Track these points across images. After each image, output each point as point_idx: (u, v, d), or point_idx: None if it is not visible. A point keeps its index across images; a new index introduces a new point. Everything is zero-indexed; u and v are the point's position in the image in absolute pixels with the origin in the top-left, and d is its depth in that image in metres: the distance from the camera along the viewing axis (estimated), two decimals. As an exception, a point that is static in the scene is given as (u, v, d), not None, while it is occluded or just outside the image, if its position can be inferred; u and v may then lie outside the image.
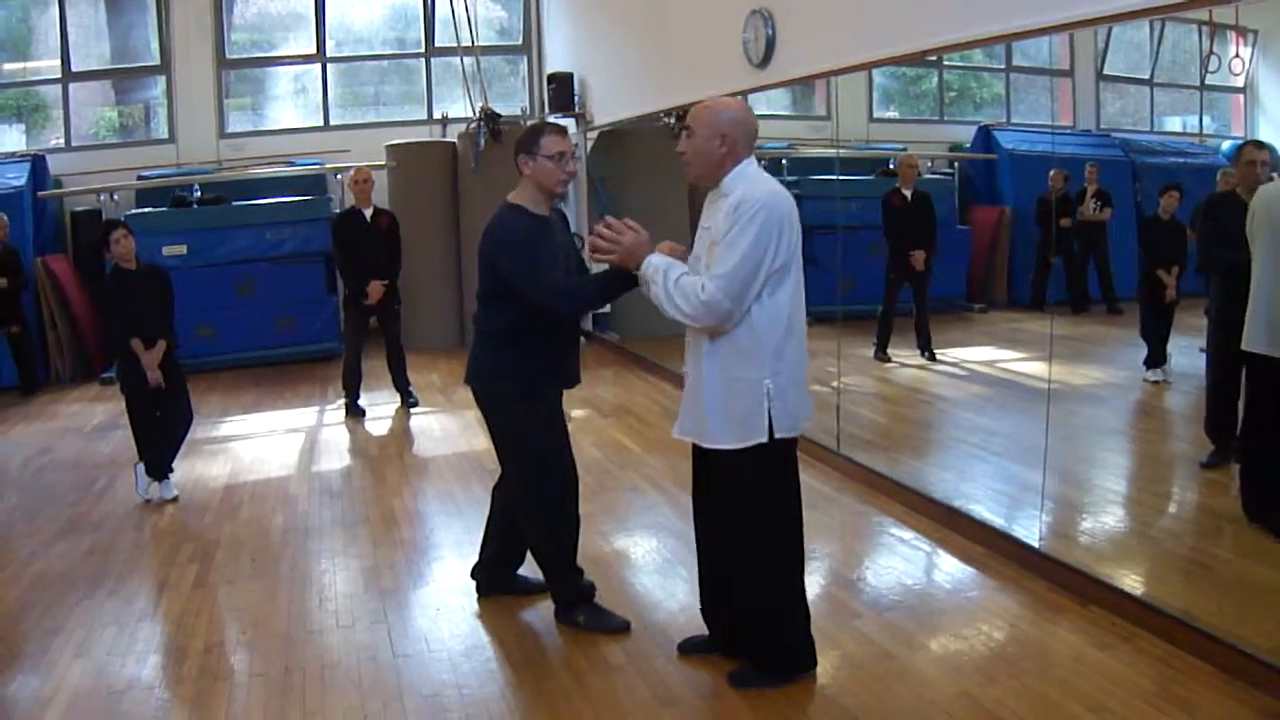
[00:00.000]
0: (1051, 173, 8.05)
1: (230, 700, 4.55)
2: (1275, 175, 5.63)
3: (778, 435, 4.26)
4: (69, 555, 6.41)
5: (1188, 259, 6.94)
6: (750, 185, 4.20)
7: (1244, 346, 5.39)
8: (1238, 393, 5.95)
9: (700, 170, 4.38)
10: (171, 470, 7.51)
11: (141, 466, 7.40)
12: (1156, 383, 7.39)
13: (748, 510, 4.38)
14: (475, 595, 5.57)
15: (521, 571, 5.57)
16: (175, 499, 7.37)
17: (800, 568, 4.53)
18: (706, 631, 4.86)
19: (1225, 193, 6.26)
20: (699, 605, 4.87)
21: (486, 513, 5.56)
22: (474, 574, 5.62)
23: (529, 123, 13.08)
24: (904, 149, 9.93)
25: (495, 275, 4.80)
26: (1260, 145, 5.90)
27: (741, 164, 4.30)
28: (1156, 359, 7.30)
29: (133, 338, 7.13)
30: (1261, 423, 5.53)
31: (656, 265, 4.29)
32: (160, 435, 7.46)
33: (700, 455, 4.52)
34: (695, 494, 4.69)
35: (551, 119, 12.77)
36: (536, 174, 4.83)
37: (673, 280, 4.21)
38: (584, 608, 5.19)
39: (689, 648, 4.86)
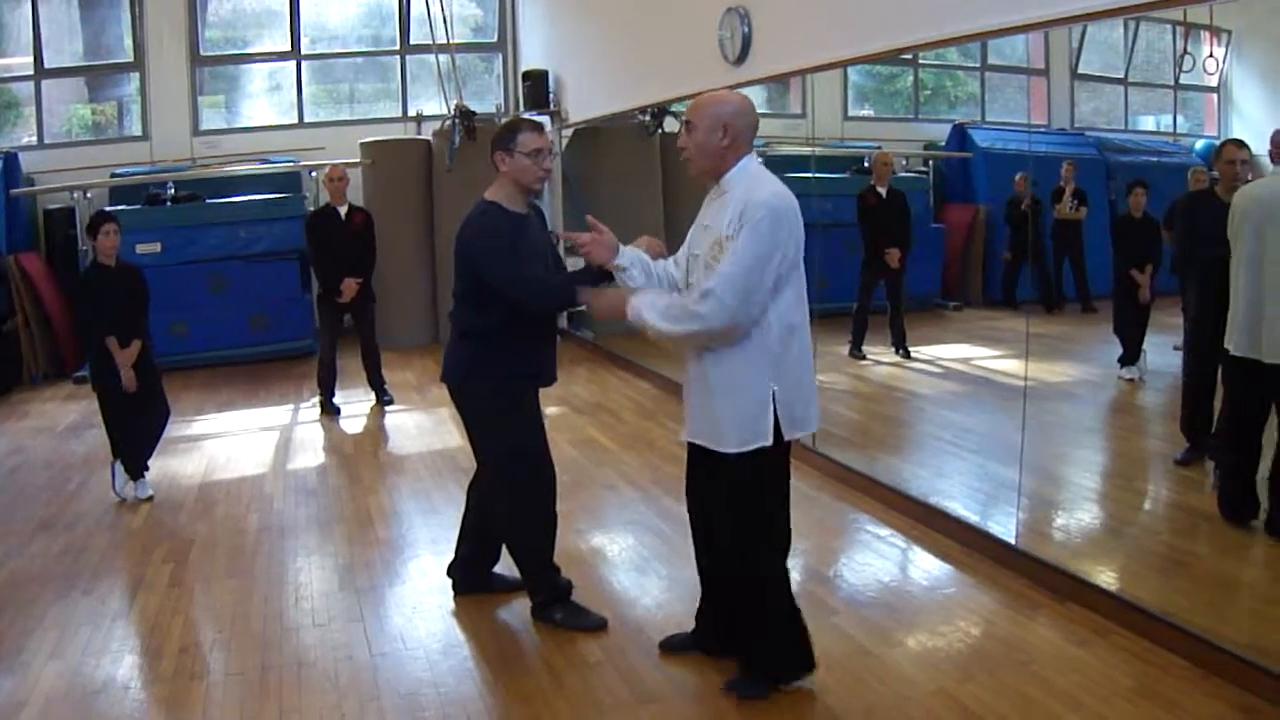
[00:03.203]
0: (1017, 177, 8.10)
1: (207, 700, 4.52)
2: (1250, 175, 5.65)
3: (785, 438, 4.22)
4: (43, 555, 6.37)
5: (1161, 257, 6.97)
6: (754, 185, 4.11)
7: (1226, 346, 5.41)
8: (1213, 391, 5.98)
9: (702, 165, 4.25)
10: (147, 469, 7.48)
11: (119, 464, 7.36)
12: (1131, 380, 7.43)
13: (748, 512, 4.32)
14: (451, 593, 5.55)
15: (497, 569, 5.57)
16: (150, 498, 7.33)
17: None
18: (688, 628, 4.85)
19: (1203, 191, 6.28)
20: (698, 603, 4.82)
21: (462, 511, 5.55)
22: (450, 572, 5.61)
23: (504, 120, 13.09)
24: (879, 147, 9.95)
25: (472, 273, 4.78)
26: (1240, 144, 5.91)
27: (743, 160, 4.21)
28: (1131, 357, 7.34)
29: (108, 336, 7.09)
30: (1239, 424, 5.54)
31: (637, 305, 4.25)
32: (136, 434, 7.43)
33: (698, 455, 4.45)
34: (690, 492, 4.64)
35: (526, 116, 12.77)
36: (513, 171, 4.81)
37: (664, 303, 4.19)
38: (561, 606, 5.18)
39: (670, 646, 4.85)
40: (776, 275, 4.04)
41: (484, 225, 4.77)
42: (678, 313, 4.11)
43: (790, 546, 4.46)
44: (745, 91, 8.17)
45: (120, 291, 7.19)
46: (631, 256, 4.52)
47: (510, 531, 5.19)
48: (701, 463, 4.42)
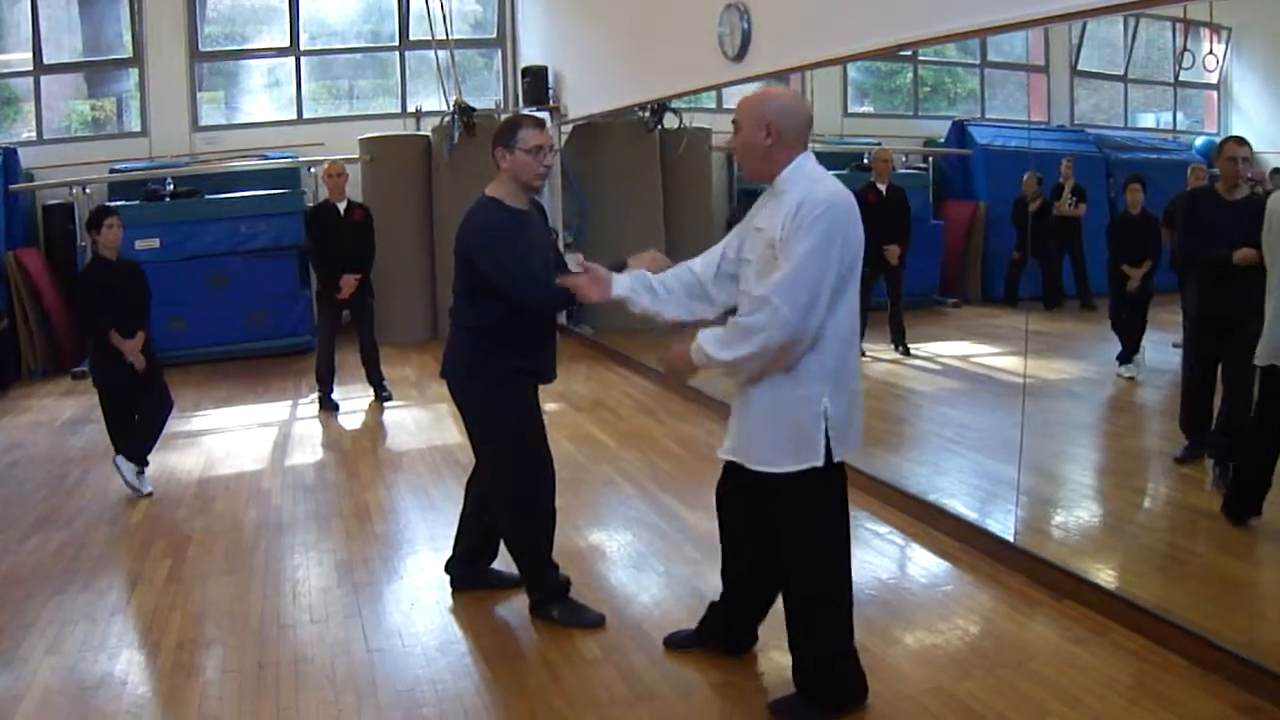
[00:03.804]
0: (1025, 176, 8.09)
1: (204, 696, 4.52)
2: (1250, 173, 5.64)
3: (835, 459, 4.03)
4: (41, 551, 6.37)
5: (1160, 254, 6.97)
6: (810, 185, 3.91)
7: (1257, 361, 5.37)
8: (1212, 389, 5.97)
9: (750, 166, 4.08)
10: (147, 463, 7.49)
11: (122, 459, 7.34)
12: (1131, 378, 7.43)
13: (807, 538, 4.14)
14: (449, 590, 5.54)
15: (495, 566, 5.56)
16: (150, 494, 7.32)
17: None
18: (686, 625, 4.87)
19: (1203, 188, 6.27)
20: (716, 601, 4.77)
21: (460, 507, 5.54)
22: (448, 568, 5.60)
23: (504, 116, 13.07)
24: (878, 144, 9.95)
25: (472, 270, 4.77)
26: (1241, 141, 5.90)
27: (798, 159, 4.00)
28: (1128, 354, 7.34)
29: (110, 329, 7.13)
30: (1269, 433, 5.49)
31: (698, 342, 3.99)
32: (140, 426, 7.49)
33: (739, 470, 4.27)
34: (725, 506, 4.55)
35: (526, 112, 12.76)
36: (513, 167, 4.80)
37: (719, 330, 3.93)
38: (559, 603, 5.17)
39: (674, 643, 4.83)
40: (837, 280, 3.85)
41: (484, 221, 4.76)
42: (732, 335, 3.86)
43: (850, 577, 4.27)
44: (744, 88, 8.19)
45: (122, 287, 7.22)
46: (630, 283, 4.40)
47: (509, 528, 5.18)
48: (744, 478, 4.25)
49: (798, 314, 3.73)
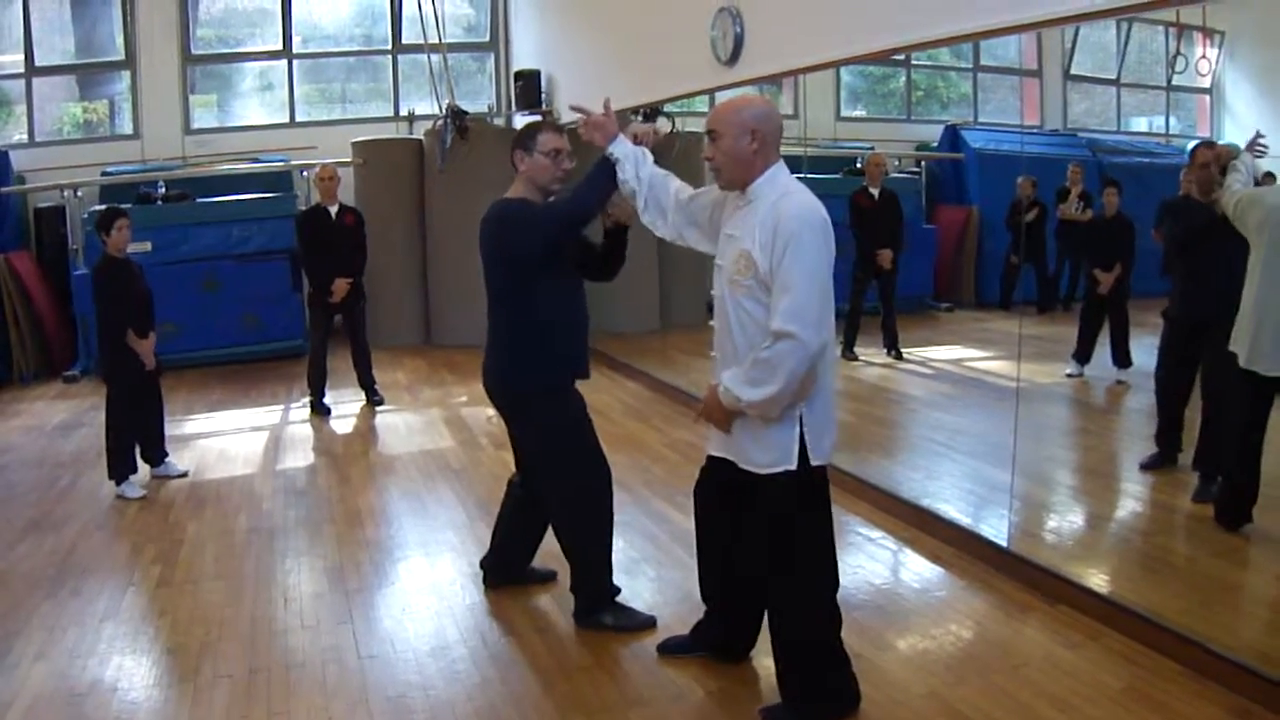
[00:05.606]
0: (1019, 180, 8.09)
1: (194, 703, 4.50)
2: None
3: (813, 463, 4.04)
4: (31, 556, 6.34)
5: (1133, 257, 6.98)
6: (782, 197, 3.92)
7: (1243, 364, 5.36)
8: (1187, 393, 5.99)
9: (732, 174, 4.08)
10: (167, 453, 7.88)
11: (127, 485, 7.45)
12: (1122, 382, 7.44)
13: (779, 541, 4.14)
14: (440, 595, 5.55)
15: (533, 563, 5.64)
16: (143, 497, 7.37)
17: (836, 598, 4.31)
18: (678, 631, 4.85)
19: (1182, 196, 6.28)
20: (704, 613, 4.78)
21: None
22: (483, 564, 5.64)
23: (497, 120, 13.05)
24: (871, 148, 9.95)
25: (499, 266, 4.79)
26: (1210, 145, 5.91)
27: (771, 169, 4.02)
28: (1120, 360, 7.36)
29: (129, 329, 7.34)
30: (1258, 439, 5.49)
31: (723, 384, 3.99)
32: (149, 430, 7.74)
33: (721, 473, 4.30)
34: (704, 505, 4.55)
35: (519, 115, 12.77)
36: (531, 170, 4.84)
37: (743, 372, 3.91)
38: (610, 609, 5.15)
39: (668, 649, 4.82)
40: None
41: (500, 213, 4.78)
42: (758, 372, 3.83)
43: (837, 581, 4.29)
44: (737, 92, 8.17)
45: (134, 285, 7.46)
46: (627, 150, 4.56)
47: (575, 535, 5.12)
48: (725, 480, 4.29)
49: (815, 337, 3.76)
